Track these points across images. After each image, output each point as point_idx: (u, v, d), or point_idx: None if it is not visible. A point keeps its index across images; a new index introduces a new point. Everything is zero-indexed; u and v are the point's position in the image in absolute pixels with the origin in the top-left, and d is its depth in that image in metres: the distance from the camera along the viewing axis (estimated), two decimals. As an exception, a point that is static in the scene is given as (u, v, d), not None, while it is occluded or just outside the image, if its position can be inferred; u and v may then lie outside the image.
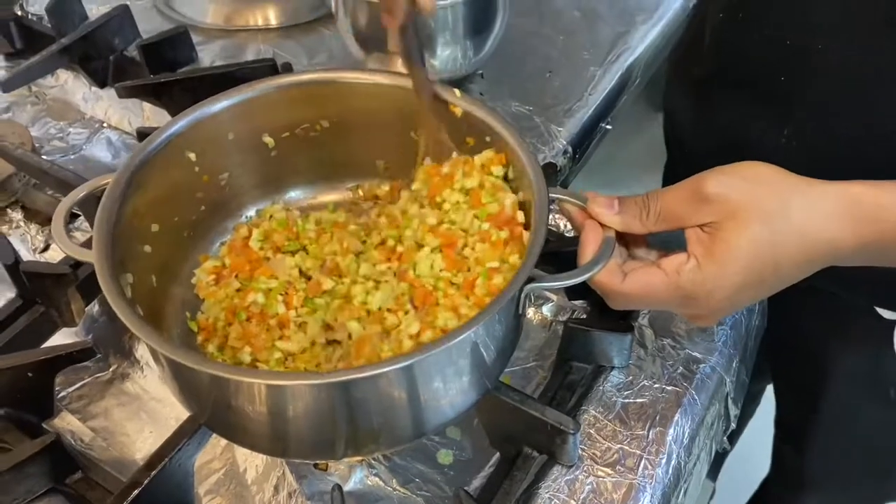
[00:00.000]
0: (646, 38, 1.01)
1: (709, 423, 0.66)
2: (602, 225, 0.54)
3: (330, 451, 0.54)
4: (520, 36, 1.00)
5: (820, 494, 0.96)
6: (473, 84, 0.94)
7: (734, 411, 0.70)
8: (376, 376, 0.47)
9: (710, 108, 0.75)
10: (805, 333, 0.82)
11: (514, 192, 0.60)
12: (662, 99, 0.84)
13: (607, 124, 0.94)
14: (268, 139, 0.67)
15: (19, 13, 1.06)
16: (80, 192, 0.56)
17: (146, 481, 0.54)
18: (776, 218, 0.49)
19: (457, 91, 0.63)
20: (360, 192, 0.72)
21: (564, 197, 0.56)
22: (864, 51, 0.60)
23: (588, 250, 0.53)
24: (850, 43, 0.60)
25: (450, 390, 0.52)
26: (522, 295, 0.52)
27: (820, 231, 0.49)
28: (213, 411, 0.53)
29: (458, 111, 0.63)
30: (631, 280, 0.52)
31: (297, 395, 0.48)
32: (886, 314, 0.71)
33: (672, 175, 0.96)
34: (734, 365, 0.68)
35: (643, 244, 0.56)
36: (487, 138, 0.62)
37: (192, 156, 0.62)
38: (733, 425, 0.71)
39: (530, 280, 0.51)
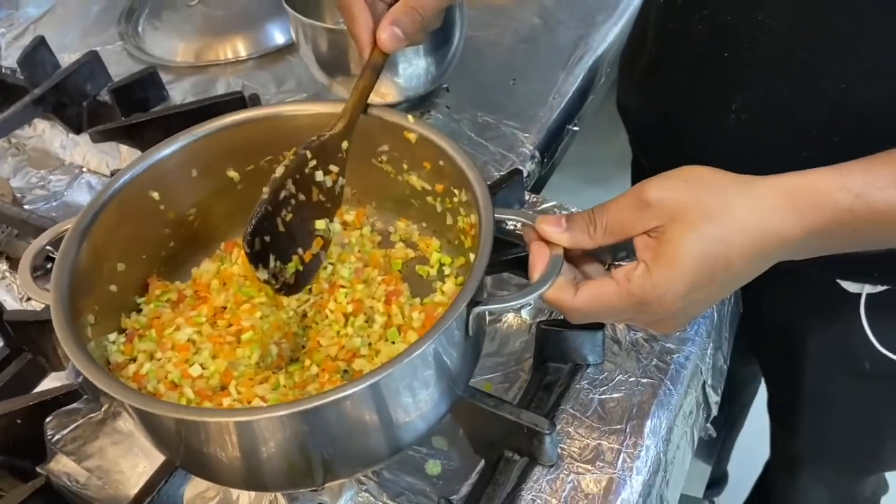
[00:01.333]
0: (607, 37, 1.03)
1: (686, 412, 0.67)
2: (550, 244, 0.54)
3: (308, 479, 0.55)
4: (482, 47, 1.02)
5: (813, 472, 0.97)
6: (439, 98, 0.95)
7: (714, 398, 0.71)
8: (340, 400, 0.48)
9: (659, 97, 0.77)
10: (777, 314, 0.83)
11: (468, 215, 0.62)
12: (616, 98, 0.86)
13: (574, 126, 0.95)
14: (233, 173, 0.68)
15: (-7, 68, 1.08)
16: (42, 241, 0.58)
17: (135, 515, 0.55)
18: (719, 215, 0.50)
19: (410, 117, 0.65)
20: None
21: (514, 217, 0.58)
22: (807, 18, 0.60)
23: (536, 270, 0.53)
24: (792, 11, 0.61)
25: (417, 405, 0.53)
26: (470, 317, 0.53)
27: (765, 224, 0.50)
28: (184, 453, 0.54)
29: (412, 137, 0.65)
30: (582, 293, 0.52)
31: (264, 428, 0.49)
32: (850, 287, 0.72)
33: (638, 172, 0.98)
34: (709, 353, 0.69)
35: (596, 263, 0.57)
36: (441, 162, 0.63)
37: (156, 195, 0.64)
38: (714, 412, 0.72)
39: (477, 303, 0.52)
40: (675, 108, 0.75)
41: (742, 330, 0.83)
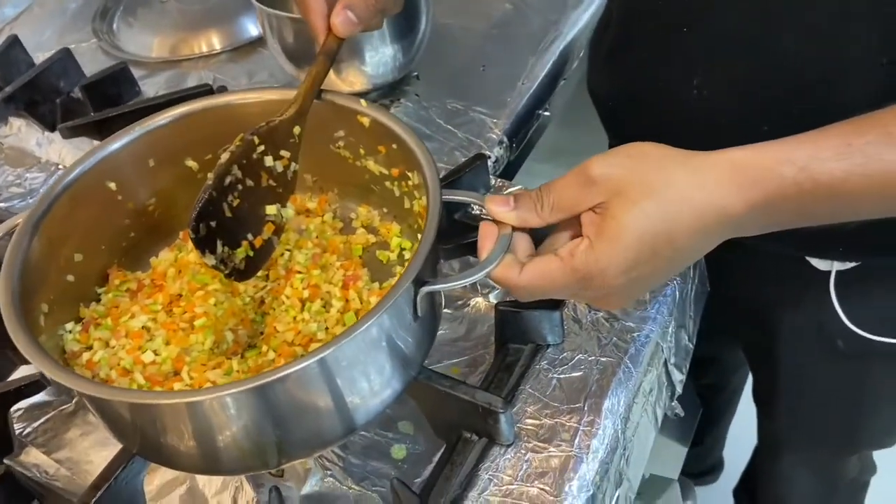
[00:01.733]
0: (578, 22, 1.02)
1: (647, 390, 0.67)
2: (499, 223, 0.54)
3: (261, 461, 0.55)
4: (452, 34, 1.02)
5: (794, 454, 0.97)
6: (409, 86, 0.96)
7: (678, 376, 0.71)
8: (287, 376, 0.48)
9: (624, 76, 0.77)
10: (749, 294, 0.82)
11: (422, 197, 0.62)
12: (587, 87, 0.86)
13: (545, 111, 0.95)
14: (191, 163, 0.69)
15: (-31, 69, 1.08)
16: (-3, 233, 0.58)
17: (92, 501, 0.56)
18: (663, 190, 0.49)
19: (363, 101, 0.65)
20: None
21: (462, 198, 0.58)
22: None
23: (485, 249, 0.53)
24: None
25: (369, 384, 0.54)
26: (418, 297, 0.53)
27: (708, 198, 0.49)
28: (139, 439, 0.55)
29: (365, 121, 0.65)
30: (527, 270, 0.52)
31: (212, 408, 0.50)
32: (819, 264, 0.72)
33: None
34: (670, 331, 0.69)
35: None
36: (394, 146, 0.63)
37: (113, 185, 0.64)
38: (679, 390, 0.72)
39: (424, 283, 0.52)
40: (640, 88, 0.75)
41: (716, 312, 0.82)
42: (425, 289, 0.54)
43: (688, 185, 0.50)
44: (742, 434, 1.29)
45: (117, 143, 0.64)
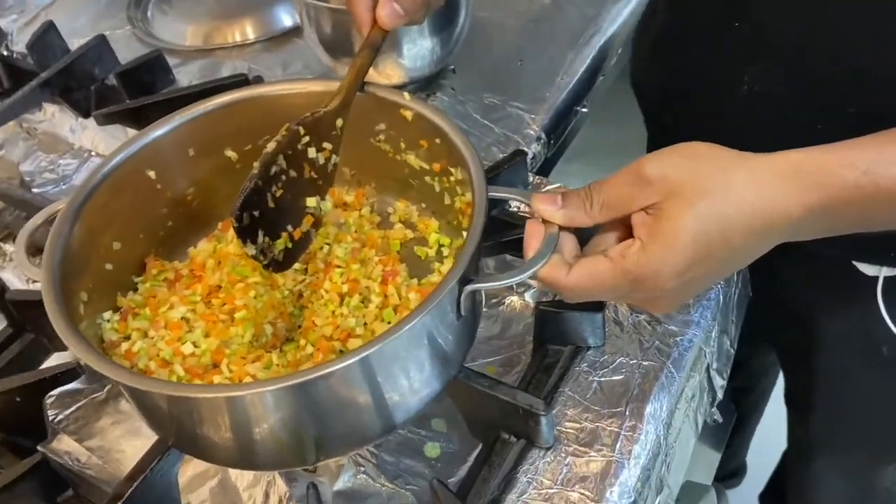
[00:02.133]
0: (617, 18, 1.01)
1: (689, 396, 0.65)
2: (546, 222, 0.53)
3: (300, 457, 0.54)
4: (489, 28, 1.00)
5: (826, 460, 0.95)
6: (445, 80, 0.94)
7: (719, 382, 0.70)
8: (329, 374, 0.47)
9: (671, 70, 0.75)
10: (791, 297, 0.81)
11: (465, 193, 0.61)
12: (631, 81, 0.84)
13: (583, 107, 0.94)
14: (230, 153, 0.68)
15: (5, 53, 1.09)
16: (38, 220, 0.58)
17: (128, 493, 0.55)
18: (719, 191, 0.48)
19: (406, 94, 0.64)
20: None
21: (507, 195, 0.57)
22: None
23: (531, 248, 0.52)
24: None
25: (409, 383, 0.53)
26: (462, 296, 0.52)
27: (765, 200, 0.48)
28: (176, 431, 0.54)
29: (408, 115, 0.64)
30: (575, 271, 0.51)
31: (252, 403, 0.49)
32: (867, 270, 0.70)
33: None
34: (713, 336, 0.68)
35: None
36: (438, 140, 0.62)
37: (152, 174, 0.64)
38: (720, 396, 0.71)
39: (469, 281, 0.51)
40: (687, 81, 0.73)
41: (757, 315, 0.81)
42: (469, 287, 0.52)
43: (745, 187, 0.48)
44: (767, 438, 1.27)
45: (158, 131, 0.63)
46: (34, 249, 0.60)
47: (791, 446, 1.06)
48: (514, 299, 0.74)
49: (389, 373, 0.52)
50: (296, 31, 1.07)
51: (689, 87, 0.72)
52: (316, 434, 0.52)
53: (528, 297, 0.74)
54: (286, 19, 1.09)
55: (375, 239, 0.68)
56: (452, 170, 0.63)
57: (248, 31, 1.08)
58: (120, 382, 0.49)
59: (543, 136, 0.87)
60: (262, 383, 0.49)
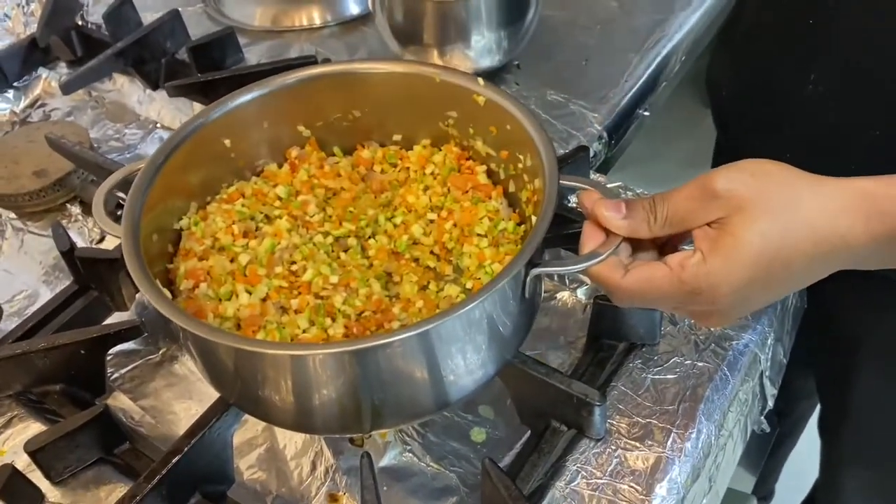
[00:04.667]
0: (684, 24, 1.01)
1: (742, 400, 0.65)
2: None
3: (357, 424, 0.55)
4: (556, 26, 1.01)
5: (859, 480, 0.93)
6: (510, 74, 0.95)
7: (771, 390, 0.69)
8: (392, 343, 0.48)
9: (747, 66, 0.75)
10: (836, 312, 0.80)
11: (532, 181, 0.62)
12: (706, 76, 0.84)
13: (644, 111, 0.94)
14: (302, 128, 0.69)
15: (80, 23, 1.11)
16: (118, 176, 0.59)
17: (186, 448, 0.56)
18: (785, 212, 0.48)
19: (480, 80, 0.65)
20: None
21: (578, 184, 0.57)
22: None
23: (586, 247, 0.53)
24: None
25: (466, 362, 0.53)
26: (528, 278, 0.52)
27: (831, 226, 0.48)
28: (238, 388, 0.55)
29: (480, 100, 0.64)
30: (633, 274, 0.51)
31: (316, 364, 0.50)
32: None
33: (718, 160, 0.96)
34: (769, 343, 0.68)
35: (652, 247, 0.55)
36: (508, 126, 0.63)
37: (228, 142, 0.65)
38: (770, 405, 0.70)
39: (535, 265, 0.52)
40: (757, 78, 0.73)
41: (800, 336, 0.80)
42: (536, 271, 0.53)
43: (811, 210, 0.48)
44: (799, 467, 1.26)
45: (236, 100, 0.65)
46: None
47: (822, 474, 1.04)
48: (565, 294, 0.74)
49: (449, 349, 0.52)
50: (362, 19, 1.08)
51: (760, 83, 0.72)
52: (374, 402, 0.53)
53: (580, 293, 0.74)
54: (353, 7, 1.10)
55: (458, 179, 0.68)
56: (521, 156, 0.64)
57: (314, 16, 1.10)
58: (191, 333, 0.50)
59: (605, 135, 0.87)
60: (327, 345, 0.50)
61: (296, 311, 0.57)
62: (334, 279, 0.59)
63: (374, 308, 0.58)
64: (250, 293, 0.58)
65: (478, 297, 0.50)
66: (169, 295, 0.54)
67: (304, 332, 0.57)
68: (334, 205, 0.66)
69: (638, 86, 0.93)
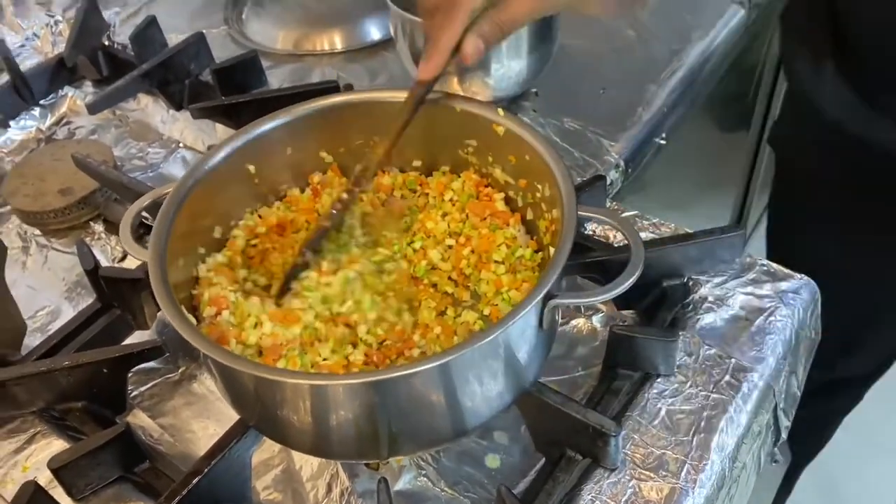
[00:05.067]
0: (702, 54, 1.02)
1: (755, 433, 0.65)
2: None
3: (374, 450, 0.56)
4: (574, 55, 1.02)
5: None
6: (527, 101, 0.96)
7: (785, 422, 0.70)
8: (411, 375, 0.49)
9: None
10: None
11: (550, 210, 0.63)
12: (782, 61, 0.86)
13: (661, 139, 0.95)
14: (325, 154, 0.71)
15: (107, 43, 1.14)
16: (145, 200, 0.61)
17: (206, 469, 0.57)
18: None
19: (500, 110, 0.66)
20: None
21: (595, 215, 0.58)
22: None
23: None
24: None
25: (483, 391, 0.54)
26: (545, 309, 0.53)
27: None
28: (258, 412, 0.56)
29: (500, 130, 0.66)
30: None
31: (336, 394, 0.51)
32: None
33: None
34: (783, 375, 0.68)
35: None
36: (527, 156, 0.64)
37: (252, 168, 0.67)
38: (783, 437, 0.71)
39: (553, 296, 0.53)
40: None
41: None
42: (554, 301, 0.54)
43: None
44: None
45: (262, 127, 0.66)
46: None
47: None
48: (580, 321, 0.75)
49: (467, 379, 0.53)
50: (383, 45, 1.10)
51: None
52: (392, 430, 0.54)
53: (595, 320, 0.75)
54: (374, 32, 1.12)
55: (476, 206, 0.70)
56: (539, 186, 0.65)
57: (336, 40, 1.12)
58: (214, 359, 0.51)
59: (622, 163, 0.88)
60: (348, 376, 0.51)
61: (319, 340, 0.58)
62: (372, 315, 0.60)
63: (396, 339, 0.59)
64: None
65: (497, 329, 0.51)
66: (194, 321, 0.56)
67: (324, 359, 0.58)
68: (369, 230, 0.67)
69: (655, 115, 0.94)
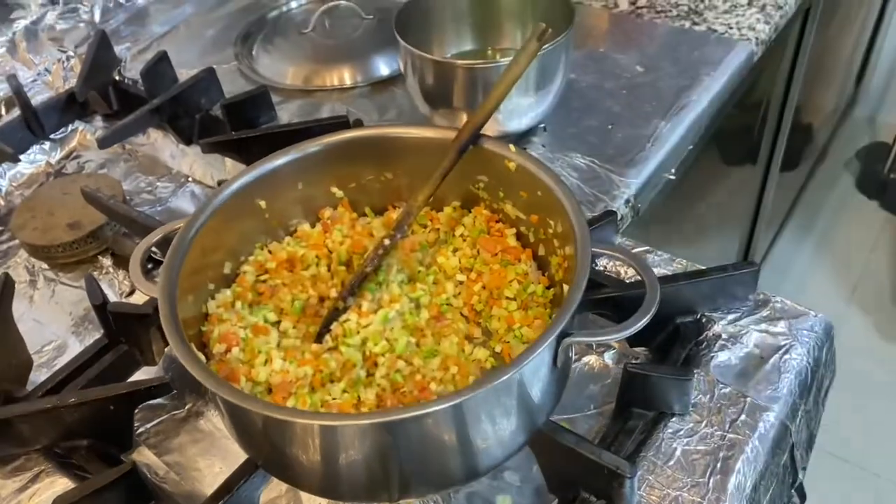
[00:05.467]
0: (710, 89, 1.02)
1: (773, 473, 0.64)
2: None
3: (384, 492, 0.55)
4: (582, 90, 1.03)
5: None
6: (536, 137, 0.96)
7: (801, 463, 0.68)
8: (425, 415, 0.48)
9: None
10: None
11: (563, 247, 0.62)
12: None
13: (671, 175, 0.95)
14: (335, 189, 0.70)
15: (117, 78, 1.15)
16: (155, 236, 0.60)
17: (213, 511, 0.56)
18: None
19: (511, 146, 0.66)
20: None
21: (610, 252, 0.58)
22: None
23: None
24: None
25: (496, 431, 0.53)
26: (559, 348, 0.52)
27: None
28: (267, 452, 0.55)
29: (511, 166, 0.66)
30: None
31: (348, 434, 0.50)
32: None
33: None
34: (800, 414, 0.67)
35: None
36: (539, 192, 0.64)
37: (263, 203, 0.66)
38: (801, 477, 0.69)
39: (568, 334, 0.52)
40: None
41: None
42: (568, 340, 0.53)
43: None
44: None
45: (273, 163, 0.66)
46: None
47: None
48: (592, 358, 0.74)
49: (480, 420, 0.52)
50: (392, 81, 1.10)
51: None
52: (403, 472, 0.53)
53: (607, 357, 0.74)
54: (383, 69, 1.13)
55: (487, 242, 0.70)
56: (551, 222, 0.64)
57: (345, 76, 1.13)
58: (225, 399, 0.50)
59: (632, 199, 0.88)
60: (360, 416, 0.50)
61: (332, 381, 0.58)
62: (403, 366, 0.60)
63: (413, 387, 0.58)
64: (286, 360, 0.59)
65: (512, 368, 0.50)
66: (203, 358, 0.55)
67: (334, 398, 0.57)
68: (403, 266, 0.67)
69: (664, 151, 0.94)
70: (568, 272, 0.61)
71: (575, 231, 0.58)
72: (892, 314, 2.04)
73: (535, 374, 0.54)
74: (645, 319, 0.52)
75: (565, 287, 0.61)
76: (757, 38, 1.09)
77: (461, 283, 0.68)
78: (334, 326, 0.62)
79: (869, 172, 2.41)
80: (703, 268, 0.73)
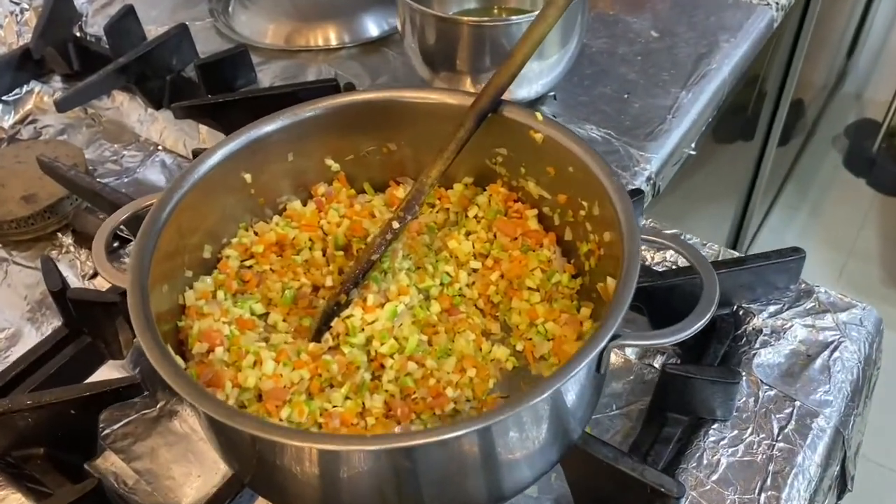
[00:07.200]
0: (732, 57, 0.94)
1: (826, 487, 0.58)
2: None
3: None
4: (594, 56, 0.94)
5: None
6: (545, 106, 0.88)
7: (852, 472, 0.62)
8: (444, 441, 0.41)
9: None
10: None
11: (597, 232, 0.55)
12: None
13: (692, 150, 0.87)
14: (330, 162, 0.62)
15: (78, 35, 1.04)
16: (123, 213, 0.52)
17: (195, 538, 0.48)
18: None
19: (538, 114, 0.57)
20: None
21: (656, 239, 0.50)
22: None
23: None
24: None
25: (526, 450, 0.46)
26: (605, 352, 0.45)
27: None
28: (256, 470, 0.47)
29: (538, 137, 0.57)
30: None
31: (351, 459, 0.42)
32: None
33: None
34: (852, 419, 0.60)
35: None
36: (570, 169, 0.56)
37: (248, 177, 0.58)
38: (851, 487, 0.63)
39: (617, 336, 0.44)
40: None
41: None
42: (617, 342, 0.45)
43: None
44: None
45: (260, 130, 0.57)
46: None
47: None
48: (613, 354, 0.67)
49: (510, 441, 0.45)
50: (383, 42, 1.01)
51: None
52: (418, 500, 0.45)
53: (628, 352, 0.66)
54: (372, 28, 1.03)
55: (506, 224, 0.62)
56: (584, 203, 0.56)
57: (331, 36, 1.03)
58: (204, 412, 0.42)
59: (653, 176, 0.80)
60: (370, 441, 0.42)
61: (331, 386, 0.49)
62: (415, 369, 0.52)
63: (427, 393, 0.50)
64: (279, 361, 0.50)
65: (555, 382, 0.42)
66: (181, 362, 0.46)
67: (335, 406, 0.49)
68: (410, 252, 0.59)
69: (687, 123, 0.86)
70: (602, 261, 0.54)
71: (619, 217, 0.50)
72: (882, 295, 2.00)
73: (577, 382, 0.46)
74: (703, 321, 0.45)
75: (594, 277, 0.53)
76: (777, 3, 1.02)
77: (475, 271, 0.59)
78: (335, 323, 0.53)
79: (857, 150, 2.37)
80: (740, 255, 0.66)
